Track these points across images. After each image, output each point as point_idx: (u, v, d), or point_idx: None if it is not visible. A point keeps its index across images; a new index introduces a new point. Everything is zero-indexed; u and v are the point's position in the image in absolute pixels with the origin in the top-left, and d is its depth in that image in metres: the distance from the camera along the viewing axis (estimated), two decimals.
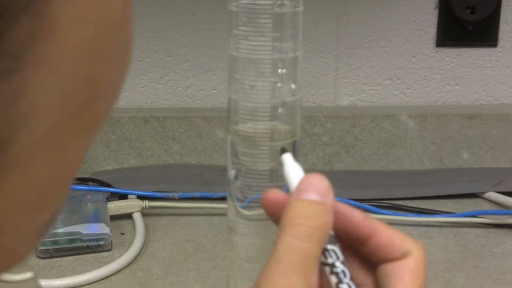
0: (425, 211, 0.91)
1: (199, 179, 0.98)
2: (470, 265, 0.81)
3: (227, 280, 0.55)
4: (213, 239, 0.86)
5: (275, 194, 0.40)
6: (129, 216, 0.89)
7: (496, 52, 1.04)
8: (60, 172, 0.23)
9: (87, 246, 0.82)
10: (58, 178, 0.23)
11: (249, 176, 0.51)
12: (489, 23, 1.02)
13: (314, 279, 0.36)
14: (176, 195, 0.92)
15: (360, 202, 0.90)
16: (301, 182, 0.39)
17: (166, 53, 1.02)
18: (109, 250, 0.83)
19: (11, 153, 0.20)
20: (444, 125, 1.02)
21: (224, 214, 0.56)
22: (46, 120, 0.21)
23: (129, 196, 0.92)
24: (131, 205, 0.89)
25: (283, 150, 0.42)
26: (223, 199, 0.83)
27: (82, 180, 0.95)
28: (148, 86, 1.03)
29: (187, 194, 0.92)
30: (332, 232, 0.38)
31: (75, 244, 0.81)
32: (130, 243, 0.83)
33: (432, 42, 1.03)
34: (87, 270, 0.78)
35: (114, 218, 0.87)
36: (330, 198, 0.38)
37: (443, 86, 1.05)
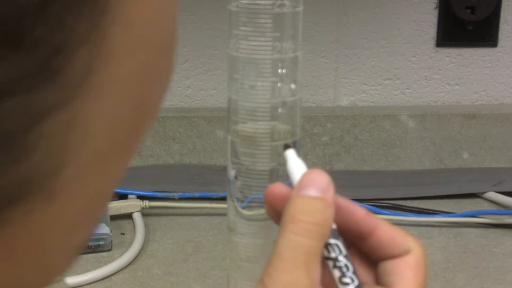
0: (425, 211, 0.91)
1: (199, 179, 0.98)
2: (470, 265, 0.81)
3: (227, 280, 0.55)
4: (213, 239, 0.86)
5: (278, 188, 0.40)
6: (129, 216, 0.89)
7: (496, 52, 1.04)
8: (103, 191, 0.23)
9: (87, 246, 0.82)
10: (101, 197, 0.23)
11: (249, 176, 0.51)
12: (489, 23, 1.02)
13: (317, 273, 0.36)
14: (176, 195, 0.92)
15: (360, 202, 0.90)
16: (302, 178, 0.39)
17: None
18: (109, 250, 0.83)
19: (61, 178, 0.20)
20: (444, 125, 1.02)
21: (224, 214, 0.56)
22: (96, 145, 0.21)
23: (129, 196, 0.92)
24: (131, 205, 0.89)
25: (286, 147, 0.43)
26: (223, 199, 0.83)
27: None
28: None
29: (187, 194, 0.92)
30: (334, 227, 0.39)
31: None
32: (130, 243, 0.83)
33: (432, 42, 1.03)
34: (87, 270, 0.78)
35: (114, 218, 0.87)
36: (330, 193, 0.38)
37: (443, 86, 1.05)
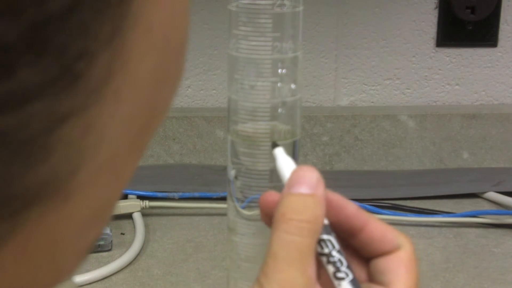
0: (425, 211, 0.91)
1: (199, 179, 0.98)
2: (470, 265, 0.81)
3: (227, 280, 0.55)
4: (213, 239, 0.86)
5: (272, 195, 0.40)
6: (129, 216, 0.89)
7: (496, 52, 1.04)
8: (115, 192, 0.23)
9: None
10: (112, 197, 0.23)
11: (249, 176, 0.51)
12: (489, 23, 1.02)
13: (311, 270, 0.36)
14: (176, 195, 0.92)
15: (360, 202, 0.90)
16: (291, 176, 0.39)
17: None
18: (109, 250, 0.83)
19: (76, 180, 0.20)
20: (444, 125, 1.02)
21: (224, 214, 0.56)
22: (110, 148, 0.21)
23: (129, 196, 0.92)
24: (131, 205, 0.89)
25: (275, 145, 0.43)
26: (223, 199, 0.83)
27: None
28: None
29: (187, 194, 0.92)
30: (327, 222, 0.39)
31: None
32: (130, 243, 0.83)
33: (432, 42, 1.03)
34: (87, 270, 0.78)
35: (114, 218, 0.87)
36: (320, 189, 0.38)
37: (443, 86, 1.05)
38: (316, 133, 1.01)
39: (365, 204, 0.90)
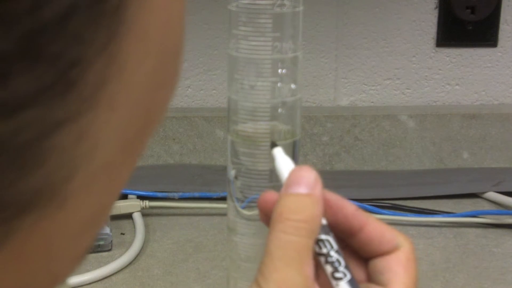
0: (425, 211, 0.91)
1: (199, 179, 0.98)
2: (470, 265, 0.81)
3: (227, 280, 0.55)
4: (213, 239, 0.86)
5: (271, 195, 0.40)
6: (129, 216, 0.89)
7: (496, 52, 1.04)
8: (110, 197, 0.23)
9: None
10: (107, 202, 0.23)
11: (249, 176, 0.51)
12: (489, 23, 1.02)
13: (309, 270, 0.36)
14: (176, 195, 0.92)
15: (360, 202, 0.90)
16: (289, 177, 0.39)
17: None
18: (109, 250, 0.83)
19: (71, 187, 0.20)
20: (444, 125, 1.02)
21: (224, 214, 0.56)
22: (105, 153, 0.21)
23: (129, 196, 0.92)
24: (131, 205, 0.89)
25: (273, 145, 0.43)
26: (223, 199, 0.83)
27: None
28: None
29: (187, 194, 0.92)
30: (325, 222, 0.39)
31: None
32: (130, 243, 0.83)
33: (432, 42, 1.03)
34: (87, 270, 0.78)
35: (114, 218, 0.87)
36: (318, 189, 0.38)
37: (443, 86, 1.05)
38: (316, 133, 1.01)
39: (365, 204, 0.90)
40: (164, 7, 0.21)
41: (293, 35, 0.50)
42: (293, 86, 0.51)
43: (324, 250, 0.38)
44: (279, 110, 0.51)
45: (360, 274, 0.40)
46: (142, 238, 0.85)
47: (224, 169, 0.56)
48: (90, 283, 0.77)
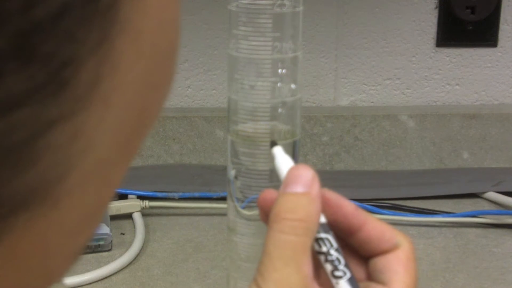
0: (425, 211, 0.91)
1: (199, 179, 0.98)
2: (470, 265, 0.81)
3: (227, 280, 0.55)
4: (213, 239, 0.86)
5: (270, 194, 0.40)
6: (129, 216, 0.89)
7: (496, 52, 1.04)
8: (105, 196, 0.23)
9: (87, 246, 0.82)
10: (102, 201, 0.23)
11: (249, 176, 0.51)
12: (489, 23, 1.02)
13: (308, 269, 0.37)
14: (176, 195, 0.92)
15: (360, 202, 0.90)
16: (286, 176, 0.39)
17: None
18: (109, 250, 0.83)
19: (65, 186, 0.20)
20: (444, 125, 1.02)
21: (224, 214, 0.56)
22: (99, 153, 0.21)
23: (129, 196, 0.92)
24: (131, 205, 0.89)
25: (273, 144, 0.43)
26: (223, 199, 0.83)
27: None
28: None
29: (187, 194, 0.92)
30: (324, 221, 0.39)
31: None
32: (130, 243, 0.83)
33: (432, 42, 1.03)
34: (87, 270, 0.78)
35: (114, 218, 0.87)
36: (315, 187, 0.39)
37: (443, 86, 1.05)
38: (316, 133, 1.01)
39: (365, 204, 0.90)
40: (158, 8, 0.21)
41: (293, 35, 0.50)
42: (293, 86, 0.51)
43: (324, 249, 0.38)
44: (279, 110, 0.51)
45: (360, 273, 0.40)
46: (142, 238, 0.85)
47: (224, 169, 0.56)
48: (90, 283, 0.77)
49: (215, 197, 0.92)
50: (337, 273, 0.38)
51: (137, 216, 0.88)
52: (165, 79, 0.23)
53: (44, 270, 0.22)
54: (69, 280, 0.76)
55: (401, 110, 1.03)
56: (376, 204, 0.91)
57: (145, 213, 0.90)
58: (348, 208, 0.40)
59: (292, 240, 0.37)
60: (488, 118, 1.02)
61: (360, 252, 0.40)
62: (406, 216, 0.90)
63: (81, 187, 0.21)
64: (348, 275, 0.38)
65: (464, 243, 0.85)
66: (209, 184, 0.96)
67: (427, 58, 1.04)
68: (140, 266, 0.80)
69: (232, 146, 0.52)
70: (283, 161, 0.41)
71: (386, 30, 1.02)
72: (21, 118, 0.18)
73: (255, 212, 0.52)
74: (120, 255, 0.81)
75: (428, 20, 1.02)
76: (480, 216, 0.90)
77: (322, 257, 0.38)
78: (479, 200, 0.96)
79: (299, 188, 0.38)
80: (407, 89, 1.05)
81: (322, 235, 0.38)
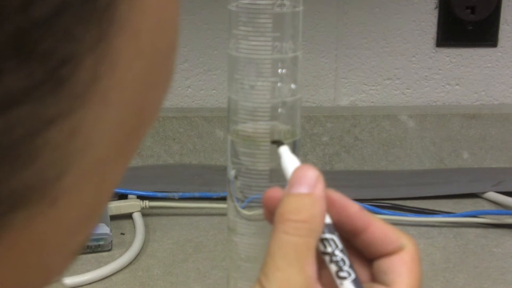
0: (425, 211, 0.91)
1: (199, 179, 0.98)
2: (470, 265, 0.81)
3: (227, 280, 0.55)
4: (213, 239, 0.86)
5: (275, 192, 0.40)
6: (129, 216, 0.89)
7: (496, 52, 1.04)
8: (103, 194, 0.23)
9: (87, 246, 0.82)
10: (101, 199, 0.23)
11: (249, 176, 0.51)
12: (489, 23, 1.02)
13: (311, 269, 0.37)
14: (176, 195, 0.92)
15: (360, 202, 0.89)
16: (291, 177, 0.40)
17: None
18: (109, 250, 0.83)
19: (63, 184, 0.20)
20: (444, 125, 1.02)
21: (224, 214, 0.56)
22: (97, 151, 0.21)
23: (129, 196, 0.92)
24: (131, 205, 0.89)
25: (280, 143, 0.43)
26: (223, 199, 0.83)
27: None
28: None
29: (187, 194, 0.92)
30: (330, 221, 0.39)
31: None
32: (130, 243, 0.83)
33: (432, 42, 1.03)
34: (87, 270, 0.78)
35: (114, 218, 0.87)
36: (319, 188, 0.39)
37: (443, 86, 1.05)
38: (316, 133, 1.01)
39: (365, 204, 0.90)
40: (156, 8, 0.21)
41: (293, 35, 0.50)
42: (293, 86, 0.51)
43: (329, 249, 0.38)
44: (279, 110, 0.51)
45: (364, 275, 0.40)
46: (142, 238, 0.85)
47: (224, 169, 0.56)
48: (90, 283, 0.77)
49: (215, 197, 0.92)
50: (342, 274, 0.38)
51: (137, 216, 0.88)
52: (164, 78, 0.23)
53: (43, 268, 0.22)
54: (69, 280, 0.76)
55: (401, 110, 1.03)
56: (376, 204, 0.91)
57: (145, 213, 0.90)
58: (353, 209, 0.40)
59: (296, 241, 0.37)
60: (488, 118, 1.02)
61: (364, 254, 0.40)
62: (406, 216, 0.90)
63: (80, 185, 0.21)
64: (353, 276, 0.38)
65: (464, 243, 0.85)
66: (209, 184, 0.96)
67: (427, 58, 1.04)
68: (140, 266, 0.80)
69: (232, 146, 0.52)
70: (289, 160, 0.41)
71: (386, 30, 1.02)
72: (19, 116, 0.18)
73: (255, 212, 0.52)
74: (120, 255, 0.81)
75: (428, 20, 1.02)
76: (480, 216, 0.90)
77: (327, 258, 0.38)
78: (479, 200, 0.96)
79: (303, 189, 0.39)
80: (407, 89, 1.05)
81: (327, 235, 0.38)
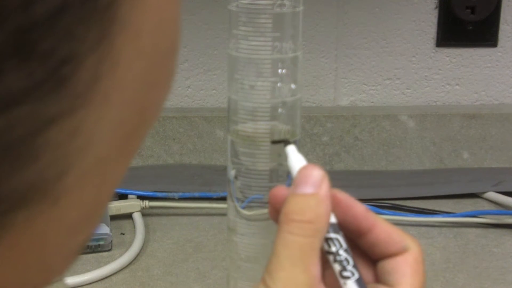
0: (425, 211, 0.91)
1: (199, 179, 0.98)
2: (470, 265, 0.81)
3: (227, 280, 0.55)
4: (213, 239, 0.86)
5: (282, 190, 0.41)
6: (129, 216, 0.89)
7: (496, 52, 1.04)
8: (104, 194, 0.23)
9: (87, 246, 0.82)
10: (102, 199, 0.23)
11: (249, 176, 0.51)
12: (489, 23, 1.02)
13: (315, 269, 0.37)
14: (176, 195, 0.92)
15: (360, 202, 0.90)
16: (296, 176, 0.40)
17: None
18: (109, 250, 0.83)
19: (64, 183, 0.20)
20: (444, 125, 1.02)
21: (224, 214, 0.56)
22: (98, 151, 0.21)
23: (129, 196, 0.92)
24: (131, 205, 0.89)
25: (287, 142, 0.43)
26: (223, 199, 0.83)
27: None
28: None
29: (187, 194, 0.92)
30: (335, 221, 0.39)
31: None
32: (130, 243, 0.83)
33: (432, 42, 1.03)
34: (87, 270, 0.78)
35: (114, 218, 0.87)
36: (324, 188, 0.39)
37: (443, 86, 1.05)
38: (316, 133, 1.01)
39: (365, 204, 0.90)
40: (157, 8, 0.21)
41: (293, 35, 0.50)
42: (293, 86, 0.51)
43: (333, 249, 0.38)
44: (279, 110, 0.51)
45: (368, 275, 0.41)
46: (142, 238, 0.85)
47: (224, 169, 0.56)
48: (90, 283, 0.77)
49: (215, 197, 0.92)
50: (345, 274, 0.38)
51: (137, 216, 0.88)
52: (165, 78, 0.23)
53: (43, 267, 0.22)
54: (69, 280, 0.76)
55: (401, 110, 1.03)
56: (376, 204, 0.91)
57: (145, 213, 0.90)
58: (358, 210, 0.40)
59: (301, 241, 0.37)
60: (488, 118, 1.02)
61: (368, 254, 0.41)
62: (406, 216, 0.90)
63: (81, 185, 0.21)
64: (356, 275, 0.38)
65: (464, 243, 0.85)
66: (209, 184, 0.96)
67: (427, 58, 1.04)
68: (140, 266, 0.80)
69: (232, 146, 0.52)
70: (296, 160, 0.42)
71: (386, 30, 1.02)
72: (20, 115, 0.18)
73: (255, 212, 0.52)
74: (120, 255, 0.81)
75: (428, 20, 1.02)
76: (480, 216, 0.90)
77: (331, 257, 0.39)
78: (479, 200, 0.96)
79: (307, 189, 0.39)
80: (407, 89, 1.05)
81: (332, 235, 0.39)
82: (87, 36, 0.18)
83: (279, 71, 0.50)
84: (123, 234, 0.87)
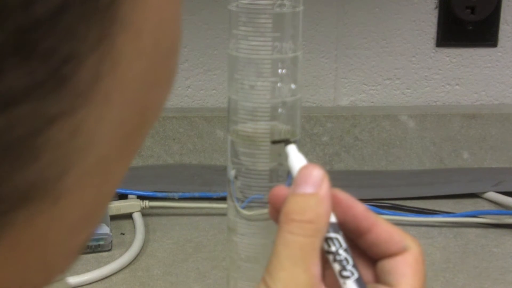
0: (425, 211, 0.91)
1: (199, 179, 0.98)
2: (470, 265, 0.81)
3: (227, 280, 0.55)
4: (213, 239, 0.86)
5: (282, 190, 0.41)
6: (129, 216, 0.89)
7: (496, 52, 1.04)
8: (105, 194, 0.23)
9: (87, 246, 0.82)
10: (103, 199, 0.23)
11: (249, 176, 0.51)
12: (489, 23, 1.02)
13: (315, 269, 0.37)
14: (176, 195, 0.92)
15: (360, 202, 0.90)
16: (296, 176, 0.40)
17: None
18: (109, 250, 0.83)
19: (65, 182, 0.20)
20: (444, 125, 1.02)
21: (224, 214, 0.56)
22: (99, 150, 0.21)
23: (129, 196, 0.92)
24: (131, 205, 0.89)
25: (288, 142, 0.43)
26: (223, 199, 0.83)
27: None
28: None
29: (187, 194, 0.92)
30: (335, 220, 0.39)
31: None
32: (130, 243, 0.83)
33: (432, 42, 1.03)
34: (87, 270, 0.78)
35: (114, 218, 0.87)
36: (324, 187, 0.39)
37: (443, 86, 1.05)
38: (316, 133, 1.01)
39: (365, 204, 0.90)
40: (158, 8, 0.21)
41: (293, 35, 0.50)
42: (293, 86, 0.51)
43: (333, 248, 0.38)
44: (279, 110, 0.51)
45: (368, 275, 0.41)
46: (142, 238, 0.85)
47: (224, 169, 0.56)
48: (90, 283, 0.77)
49: (215, 197, 0.92)
50: (345, 273, 0.38)
51: (137, 216, 0.88)
52: (166, 78, 0.23)
53: (44, 266, 0.22)
54: (69, 280, 0.76)
55: (401, 110, 1.03)
56: (376, 204, 0.91)
57: (145, 213, 0.90)
58: (359, 209, 0.40)
59: (301, 241, 0.37)
60: (488, 118, 1.02)
61: (368, 254, 0.41)
62: (406, 216, 0.90)
63: (81, 184, 0.21)
64: (356, 275, 0.38)
65: (464, 243, 0.85)
66: (209, 184, 0.96)
67: (427, 58, 1.04)
68: (140, 266, 0.80)
69: (232, 146, 0.52)
70: (296, 159, 0.42)
71: (386, 30, 1.02)
72: (20, 115, 0.18)
73: (255, 212, 0.52)
74: (120, 255, 0.81)
75: (428, 20, 1.02)
76: (480, 216, 0.90)
77: (330, 257, 0.39)
78: (479, 200, 0.96)
79: (308, 189, 0.39)
80: (407, 89, 1.05)
81: (332, 234, 0.39)
82: (87, 36, 0.18)
83: (279, 71, 0.50)
84: (123, 234, 0.87)
